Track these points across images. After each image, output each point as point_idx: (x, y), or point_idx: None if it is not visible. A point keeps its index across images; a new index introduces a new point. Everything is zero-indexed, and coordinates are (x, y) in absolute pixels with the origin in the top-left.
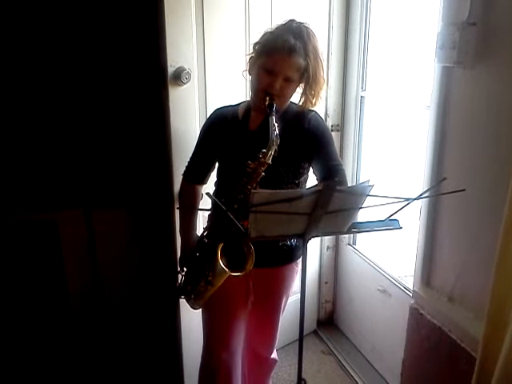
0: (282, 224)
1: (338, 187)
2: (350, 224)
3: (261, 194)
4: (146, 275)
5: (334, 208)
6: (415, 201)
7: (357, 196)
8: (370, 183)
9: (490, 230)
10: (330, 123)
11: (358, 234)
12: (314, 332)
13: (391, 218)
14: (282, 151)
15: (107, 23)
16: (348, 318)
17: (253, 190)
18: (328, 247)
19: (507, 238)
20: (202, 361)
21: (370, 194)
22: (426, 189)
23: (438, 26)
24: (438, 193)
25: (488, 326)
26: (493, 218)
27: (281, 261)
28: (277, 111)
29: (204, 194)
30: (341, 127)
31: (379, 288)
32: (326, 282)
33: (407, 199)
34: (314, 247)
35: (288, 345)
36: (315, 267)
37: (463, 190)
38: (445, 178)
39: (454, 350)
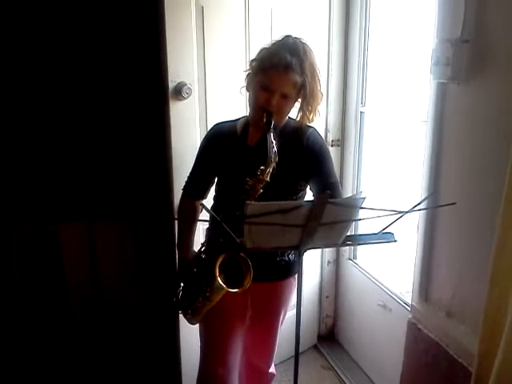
0: (276, 235)
1: (330, 199)
2: (344, 236)
3: (254, 205)
4: (146, 288)
5: (327, 220)
6: (412, 215)
7: (350, 208)
8: (362, 196)
9: (487, 245)
10: (330, 138)
11: (358, 249)
12: (315, 347)
13: (387, 231)
14: (280, 168)
15: (108, 39)
16: (349, 333)
17: (247, 202)
18: (329, 262)
19: (500, 252)
20: (198, 375)
21: (363, 206)
22: (424, 206)
23: (432, 43)
24: (430, 206)
25: (482, 341)
26: (489, 231)
27: (279, 276)
28: (275, 127)
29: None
30: (341, 142)
31: (379, 303)
32: (327, 297)
33: (400, 212)
34: (315, 262)
35: (288, 359)
36: (316, 282)
37: (454, 203)
38: (433, 193)
39: (452, 364)
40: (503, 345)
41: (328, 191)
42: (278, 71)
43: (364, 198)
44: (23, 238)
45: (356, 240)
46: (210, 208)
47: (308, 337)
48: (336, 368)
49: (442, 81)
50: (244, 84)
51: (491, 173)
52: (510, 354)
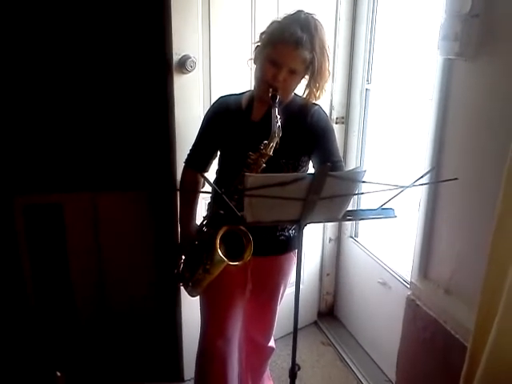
0: (276, 209)
1: (330, 172)
2: (344, 211)
3: (254, 177)
4: (148, 260)
5: (327, 194)
6: (414, 192)
7: (350, 182)
8: (362, 169)
9: (487, 223)
10: (334, 116)
11: (360, 227)
12: (315, 323)
13: (387, 206)
14: (283, 143)
15: (112, 12)
16: (348, 310)
17: (246, 173)
18: (330, 239)
19: (499, 230)
20: (198, 347)
21: (364, 180)
22: (425, 181)
23: (440, 19)
24: (432, 181)
25: (479, 317)
26: (489, 210)
27: (279, 250)
28: (280, 103)
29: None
30: (345, 119)
31: (379, 280)
32: (328, 274)
33: (401, 186)
34: (317, 239)
35: (288, 335)
36: (317, 259)
37: (456, 178)
38: (434, 167)
39: (449, 341)
40: (497, 322)
41: (328, 163)
42: (288, 46)
43: (364, 171)
44: (28, 211)
45: (356, 215)
46: (212, 182)
47: (308, 313)
48: (335, 344)
49: (450, 57)
50: (251, 56)
51: (494, 151)
52: (504, 331)
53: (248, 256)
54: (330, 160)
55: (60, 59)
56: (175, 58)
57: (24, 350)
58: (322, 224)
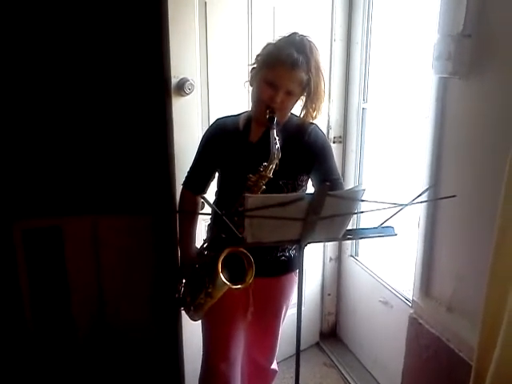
0: (277, 229)
1: (330, 192)
2: (344, 230)
3: (255, 198)
4: (148, 284)
5: (327, 213)
6: (413, 210)
7: (349, 201)
8: (361, 188)
9: (487, 240)
10: (332, 135)
11: (360, 246)
12: (317, 344)
13: (387, 225)
14: (281, 164)
15: (111, 34)
16: (351, 330)
17: (247, 194)
18: (331, 259)
19: (499, 245)
20: (201, 371)
21: (363, 199)
22: (423, 199)
23: (434, 38)
24: (430, 199)
25: (482, 334)
26: (489, 226)
27: (280, 270)
28: (277, 124)
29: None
30: (343, 139)
31: (381, 299)
32: (329, 294)
33: (400, 205)
34: (317, 258)
35: (290, 357)
36: (318, 279)
37: (454, 196)
38: (433, 185)
39: (452, 359)
40: (501, 339)
41: (328, 183)
42: (285, 68)
43: (364, 190)
44: (28, 235)
45: (356, 234)
46: (212, 203)
47: (310, 334)
48: (338, 365)
49: (444, 75)
50: (246, 79)
51: (492, 167)
52: (508, 347)
53: (250, 279)
54: (329, 178)
55: (60, 82)
56: (173, 80)
57: (23, 373)
58: (322, 243)
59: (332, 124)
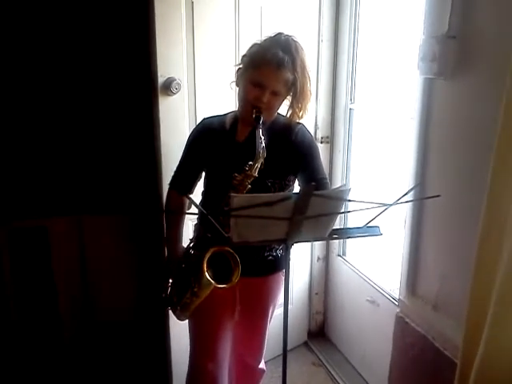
0: (263, 229)
1: (315, 192)
2: (330, 229)
3: (240, 197)
4: (135, 284)
5: (313, 213)
6: (400, 210)
7: (335, 200)
8: (346, 188)
9: (471, 238)
10: (319, 135)
11: (347, 245)
12: (305, 343)
13: (372, 224)
14: (268, 164)
15: (98, 34)
16: (338, 329)
17: (232, 194)
18: (318, 258)
19: (483, 245)
20: (188, 371)
21: (348, 199)
22: (409, 198)
23: (419, 39)
24: (415, 198)
25: (467, 332)
26: (473, 226)
27: (267, 270)
28: (263, 123)
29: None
30: (330, 139)
31: (368, 299)
32: (317, 293)
33: (385, 204)
34: (305, 258)
35: (278, 356)
36: (306, 278)
37: (438, 195)
38: (418, 184)
39: (438, 357)
40: (485, 336)
41: (313, 183)
42: (271, 68)
43: (349, 190)
44: (13, 235)
45: (342, 233)
46: (198, 203)
47: (298, 334)
48: (326, 364)
49: (429, 76)
50: (233, 79)
51: (476, 167)
52: (492, 345)
53: (236, 278)
54: (315, 178)
55: (44, 82)
56: (160, 80)
57: (9, 370)
58: (310, 243)
59: (319, 124)
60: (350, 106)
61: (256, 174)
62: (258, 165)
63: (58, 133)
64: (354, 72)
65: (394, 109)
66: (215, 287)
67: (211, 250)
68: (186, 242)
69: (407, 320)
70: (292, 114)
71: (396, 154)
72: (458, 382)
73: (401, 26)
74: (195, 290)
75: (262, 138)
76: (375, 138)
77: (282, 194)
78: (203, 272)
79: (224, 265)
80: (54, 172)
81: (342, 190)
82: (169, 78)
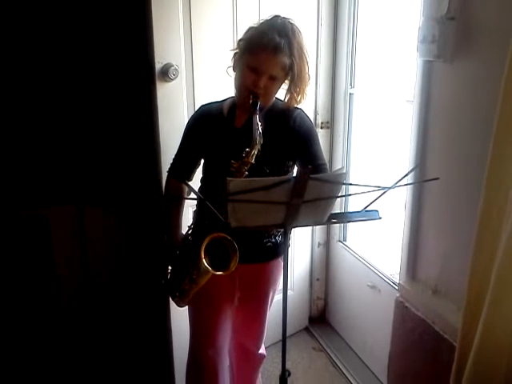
0: (260, 213)
1: (312, 175)
2: (328, 214)
3: (237, 182)
4: (136, 272)
5: (310, 197)
6: (400, 194)
7: (332, 184)
8: (343, 171)
9: (471, 222)
10: (319, 120)
11: (348, 231)
12: (306, 329)
13: (371, 208)
14: (266, 149)
15: (94, 20)
16: (339, 315)
17: (228, 178)
18: (319, 244)
19: (482, 228)
20: (188, 357)
21: (346, 182)
22: (407, 181)
23: (419, 21)
24: (413, 181)
25: (466, 316)
26: (473, 209)
27: (266, 256)
28: (261, 109)
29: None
30: (330, 124)
31: (369, 284)
32: (318, 279)
33: (383, 188)
34: (305, 244)
35: (279, 342)
36: (307, 264)
37: (437, 178)
38: (416, 166)
39: (438, 341)
40: (483, 319)
41: (310, 166)
42: (267, 52)
43: (345, 173)
44: (14, 223)
45: (341, 218)
46: (196, 190)
47: (299, 319)
48: (327, 349)
49: (428, 59)
50: (231, 64)
51: (476, 150)
52: (489, 327)
53: (234, 266)
54: (314, 163)
55: (41, 70)
56: (158, 66)
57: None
58: (310, 228)
59: (319, 109)
60: (350, 91)
61: (253, 161)
62: (255, 151)
63: (57, 122)
64: (353, 56)
65: (394, 92)
66: (214, 274)
67: (209, 237)
68: (185, 229)
69: (407, 304)
70: (290, 99)
71: (396, 138)
72: (457, 365)
73: (400, 8)
74: (193, 276)
75: (259, 124)
76: (375, 123)
77: (278, 177)
78: (201, 259)
79: (223, 252)
80: (52, 162)
81: (338, 174)
82: (166, 63)
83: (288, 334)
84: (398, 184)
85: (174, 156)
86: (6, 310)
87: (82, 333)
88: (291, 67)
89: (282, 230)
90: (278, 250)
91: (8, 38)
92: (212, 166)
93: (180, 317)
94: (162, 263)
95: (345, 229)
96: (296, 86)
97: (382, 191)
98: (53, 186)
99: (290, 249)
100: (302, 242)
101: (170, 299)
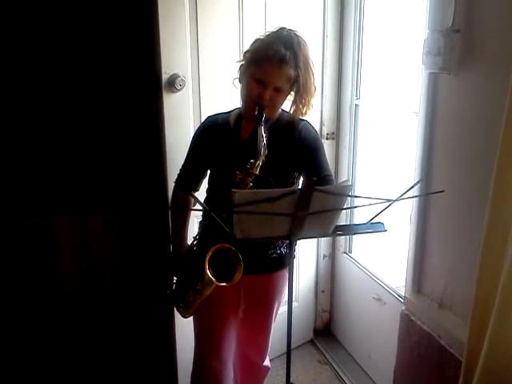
0: (266, 225)
1: (317, 187)
2: (333, 226)
3: (242, 193)
4: (141, 283)
5: (315, 209)
6: (405, 207)
7: (337, 196)
8: (348, 183)
9: (477, 236)
10: (325, 132)
11: (353, 243)
12: (311, 341)
13: (377, 220)
14: (271, 161)
15: (102, 31)
16: (345, 327)
17: (234, 190)
18: (324, 255)
19: (488, 242)
20: (193, 368)
21: (351, 194)
22: (412, 194)
23: (424, 33)
24: (419, 194)
25: (472, 330)
26: (479, 222)
27: (272, 268)
28: (266, 121)
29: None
30: (336, 135)
31: (374, 296)
32: (323, 291)
33: (388, 200)
34: (311, 256)
35: (283, 354)
36: (312, 276)
37: (442, 191)
38: (421, 180)
39: (443, 355)
40: (489, 334)
41: (314, 178)
42: (272, 64)
43: (350, 186)
44: (19, 231)
45: (346, 230)
46: (202, 201)
47: (304, 331)
48: (332, 362)
49: (434, 71)
50: (237, 75)
51: (482, 162)
52: (496, 343)
53: (238, 277)
54: (320, 175)
55: (48, 78)
56: (164, 76)
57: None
58: (315, 240)
59: (325, 121)
60: (356, 102)
61: (257, 172)
62: (260, 163)
63: (63, 130)
64: (359, 68)
65: (400, 104)
66: (217, 285)
67: (213, 248)
68: (191, 240)
69: (413, 318)
70: (295, 111)
71: (402, 150)
72: (463, 379)
73: (405, 20)
74: (198, 287)
75: (264, 135)
76: (381, 134)
77: (283, 189)
78: (205, 270)
79: (228, 263)
80: (58, 170)
81: (344, 186)
82: (173, 74)
83: (293, 346)
84: (403, 196)
85: (180, 166)
86: (12, 316)
87: (87, 344)
88: (297, 79)
89: (288, 241)
90: (283, 262)
91: (20, 63)
92: (218, 177)
93: (185, 327)
94: (168, 274)
95: (350, 241)
96: (301, 98)
97: (388, 203)
98: (59, 194)
99: (294, 260)
100: (307, 254)
101: (175, 310)
